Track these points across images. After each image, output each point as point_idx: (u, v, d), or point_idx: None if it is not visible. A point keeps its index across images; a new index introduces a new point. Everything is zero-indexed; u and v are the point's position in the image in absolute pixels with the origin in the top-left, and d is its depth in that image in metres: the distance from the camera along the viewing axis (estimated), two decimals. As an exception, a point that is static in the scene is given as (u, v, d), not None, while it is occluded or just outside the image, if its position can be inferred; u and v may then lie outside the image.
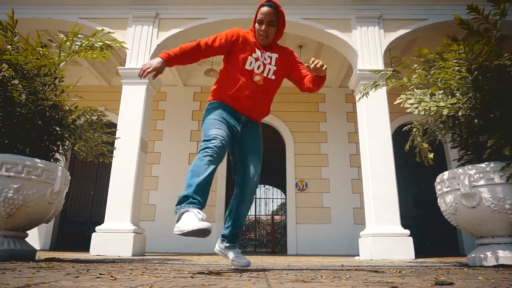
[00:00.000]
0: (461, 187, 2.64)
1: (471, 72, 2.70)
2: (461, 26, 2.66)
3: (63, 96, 2.95)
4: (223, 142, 1.92)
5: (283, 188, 10.12)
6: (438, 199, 3.00)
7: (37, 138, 2.76)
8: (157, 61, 1.94)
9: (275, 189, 13.66)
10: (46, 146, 2.86)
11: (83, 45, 3.03)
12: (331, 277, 1.52)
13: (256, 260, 3.52)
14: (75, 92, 3.23)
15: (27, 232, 2.79)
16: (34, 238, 6.74)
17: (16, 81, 2.75)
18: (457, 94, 2.75)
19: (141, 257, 3.98)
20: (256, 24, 2.15)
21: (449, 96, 2.76)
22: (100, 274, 1.49)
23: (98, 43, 3.09)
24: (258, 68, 2.15)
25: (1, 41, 2.76)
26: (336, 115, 7.85)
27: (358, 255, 4.81)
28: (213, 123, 2.02)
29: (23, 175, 2.48)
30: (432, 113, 2.68)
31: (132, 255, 4.34)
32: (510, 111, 2.57)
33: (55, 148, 2.94)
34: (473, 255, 2.74)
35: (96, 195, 7.62)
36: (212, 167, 1.83)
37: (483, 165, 2.59)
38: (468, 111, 2.67)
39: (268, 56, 2.19)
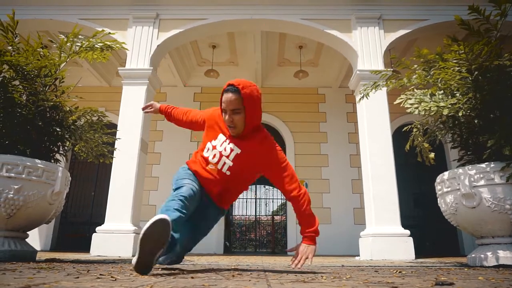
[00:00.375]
0: (461, 187, 2.64)
1: (471, 73, 2.70)
2: (462, 26, 2.66)
3: (63, 97, 2.95)
4: (194, 191, 1.78)
5: (283, 189, 10.09)
6: (438, 199, 3.00)
7: (37, 139, 2.76)
8: (157, 105, 2.34)
9: (275, 189, 13.65)
10: (47, 147, 2.86)
11: (84, 46, 3.03)
12: (332, 277, 1.52)
13: (256, 261, 3.52)
14: (76, 92, 3.23)
15: (27, 232, 2.79)
16: (35, 238, 6.75)
17: (17, 82, 2.75)
18: (457, 95, 2.76)
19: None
20: (222, 111, 1.88)
21: (449, 96, 2.76)
22: (100, 274, 1.50)
23: (98, 44, 3.09)
24: (214, 157, 1.92)
25: (2, 42, 2.76)
26: (336, 115, 7.85)
27: (358, 255, 4.81)
28: (185, 175, 1.91)
29: (23, 176, 2.48)
30: (432, 113, 2.69)
31: (133, 256, 4.34)
32: (510, 111, 2.57)
33: (56, 149, 2.94)
34: (473, 255, 2.74)
35: (96, 195, 7.62)
36: (179, 214, 1.64)
37: (483, 165, 2.59)
38: (468, 111, 2.67)
39: (230, 148, 1.90)
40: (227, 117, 1.84)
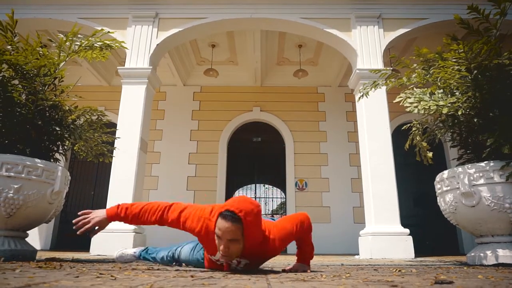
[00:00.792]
0: (460, 186, 2.64)
1: (471, 71, 2.70)
2: (461, 25, 2.66)
3: (63, 96, 2.95)
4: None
5: (282, 188, 10.12)
6: (437, 198, 3.00)
7: (37, 138, 2.76)
8: (101, 215, 1.86)
9: (274, 188, 13.66)
10: (46, 146, 2.86)
11: (83, 45, 3.02)
12: (331, 276, 1.52)
13: (256, 260, 3.51)
14: (75, 92, 3.23)
15: (27, 232, 2.79)
16: (35, 238, 6.75)
17: (16, 81, 2.75)
18: (457, 93, 2.76)
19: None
20: (215, 235, 1.61)
21: (449, 95, 2.76)
22: (100, 273, 1.50)
23: (97, 43, 3.08)
24: (219, 261, 1.83)
25: (1, 41, 2.76)
26: (335, 114, 7.85)
27: (358, 254, 4.82)
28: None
29: (23, 175, 2.48)
30: (432, 112, 2.69)
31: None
32: (509, 110, 2.57)
33: (55, 148, 2.94)
34: (472, 254, 2.74)
35: (96, 195, 7.62)
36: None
37: (482, 164, 2.59)
38: (468, 110, 2.68)
39: (237, 261, 1.77)
40: (222, 246, 1.57)
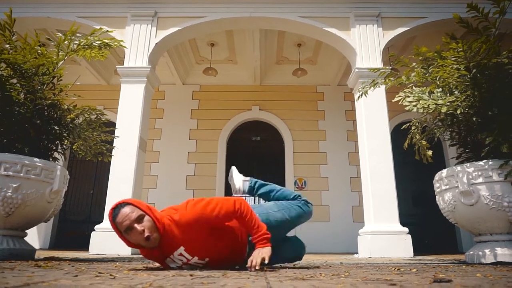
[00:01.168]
0: (459, 185, 2.65)
1: (470, 70, 2.70)
2: (460, 24, 2.66)
3: (61, 95, 2.94)
4: None
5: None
6: (436, 197, 3.01)
7: (35, 137, 2.76)
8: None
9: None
10: (45, 145, 2.86)
11: (82, 44, 3.02)
12: (330, 275, 1.52)
13: (256, 259, 3.52)
14: (74, 91, 3.23)
15: (26, 231, 2.79)
16: (33, 237, 6.74)
17: (15, 80, 2.74)
18: (456, 92, 2.76)
19: (140, 256, 3.98)
20: (125, 239, 1.65)
21: (448, 94, 2.77)
22: (99, 272, 1.50)
23: (96, 42, 3.08)
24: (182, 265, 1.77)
25: (-1, 40, 2.76)
26: (334, 113, 7.85)
27: (357, 253, 4.82)
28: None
29: (22, 174, 2.48)
30: (431, 111, 2.69)
31: (132, 254, 4.35)
32: (508, 109, 2.58)
33: (54, 147, 2.94)
34: (471, 252, 2.75)
35: (95, 194, 7.62)
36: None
37: (481, 163, 2.59)
38: (467, 109, 2.68)
39: (178, 255, 1.72)
40: (138, 237, 1.59)
